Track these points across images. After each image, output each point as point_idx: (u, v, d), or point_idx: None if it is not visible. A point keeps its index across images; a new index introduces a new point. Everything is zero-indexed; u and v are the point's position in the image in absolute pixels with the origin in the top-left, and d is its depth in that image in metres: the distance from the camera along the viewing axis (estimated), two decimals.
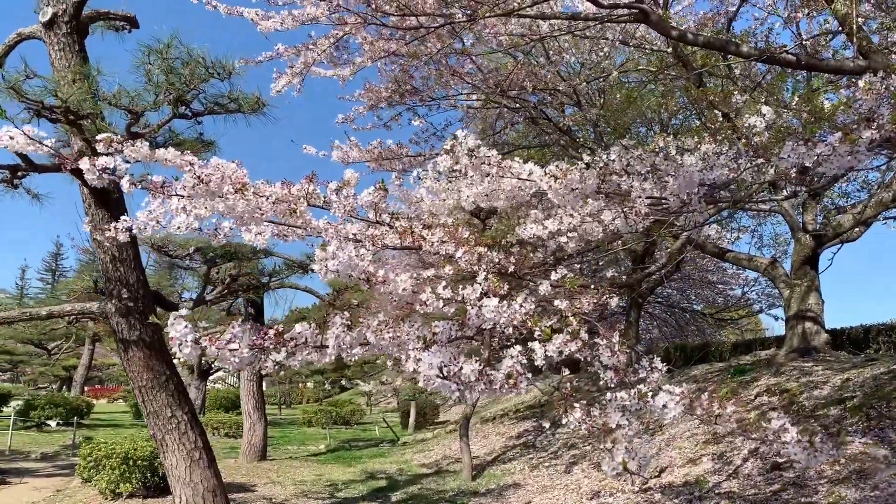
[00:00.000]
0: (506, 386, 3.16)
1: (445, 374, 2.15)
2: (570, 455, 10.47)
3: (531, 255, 4.74)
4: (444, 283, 3.49)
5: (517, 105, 10.76)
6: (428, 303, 3.10)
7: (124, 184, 2.97)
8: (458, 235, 3.79)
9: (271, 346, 2.38)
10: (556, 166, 3.42)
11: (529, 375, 3.39)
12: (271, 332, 2.38)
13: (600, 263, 13.89)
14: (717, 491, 6.62)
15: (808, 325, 10.47)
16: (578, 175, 3.40)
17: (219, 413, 22.94)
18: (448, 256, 3.87)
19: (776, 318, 24.96)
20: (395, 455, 15.63)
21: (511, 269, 4.09)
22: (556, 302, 3.76)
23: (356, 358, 2.79)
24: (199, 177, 2.89)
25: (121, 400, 37.77)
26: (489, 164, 3.69)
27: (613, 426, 2.59)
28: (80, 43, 6.31)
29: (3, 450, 15.36)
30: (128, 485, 8.89)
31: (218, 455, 15.63)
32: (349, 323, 2.51)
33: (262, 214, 3.15)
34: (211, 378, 30.97)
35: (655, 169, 3.42)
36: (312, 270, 3.06)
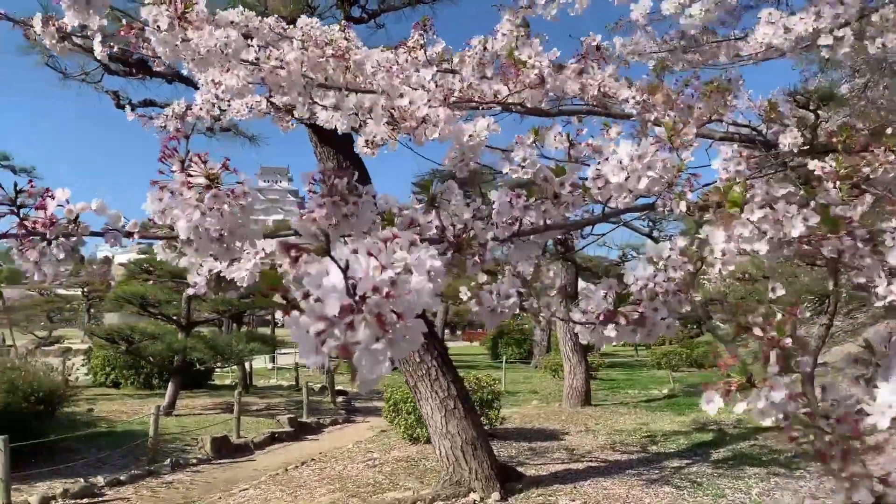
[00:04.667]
0: (602, 319, 1.60)
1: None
2: None
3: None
4: (558, 128, 2.01)
5: None
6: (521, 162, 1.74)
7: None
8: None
9: (48, 235, 1.33)
10: None
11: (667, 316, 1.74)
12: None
13: None
14: None
15: None
16: None
17: (558, 355, 22.89)
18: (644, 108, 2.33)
19: None
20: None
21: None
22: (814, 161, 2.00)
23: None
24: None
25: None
26: None
27: (879, 426, 0.99)
28: None
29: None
30: (424, 430, 8.78)
31: (547, 398, 15.36)
32: (217, 189, 1.26)
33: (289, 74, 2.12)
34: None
35: None
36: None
